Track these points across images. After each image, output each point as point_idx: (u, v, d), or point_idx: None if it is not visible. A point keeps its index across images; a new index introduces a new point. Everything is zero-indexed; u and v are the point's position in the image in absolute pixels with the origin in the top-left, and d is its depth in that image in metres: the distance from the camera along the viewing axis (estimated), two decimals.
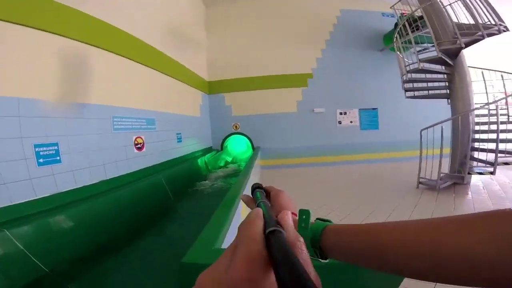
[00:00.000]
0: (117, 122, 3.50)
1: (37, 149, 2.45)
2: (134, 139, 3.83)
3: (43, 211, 2.29)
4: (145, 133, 4.09)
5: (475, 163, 4.21)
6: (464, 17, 4.32)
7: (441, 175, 4.10)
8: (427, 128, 4.29)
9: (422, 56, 4.53)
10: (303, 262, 0.21)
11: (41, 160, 2.45)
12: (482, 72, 4.66)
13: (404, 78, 4.74)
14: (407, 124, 6.80)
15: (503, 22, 3.92)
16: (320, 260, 0.39)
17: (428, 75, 4.75)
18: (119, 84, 3.60)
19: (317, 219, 0.42)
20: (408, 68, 4.74)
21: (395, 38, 4.80)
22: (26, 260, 1.85)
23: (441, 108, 5.77)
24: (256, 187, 0.46)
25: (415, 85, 5.05)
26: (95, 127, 3.13)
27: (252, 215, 0.27)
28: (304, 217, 0.39)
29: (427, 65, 4.40)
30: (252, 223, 0.25)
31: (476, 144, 4.25)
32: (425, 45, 5.12)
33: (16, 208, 2.13)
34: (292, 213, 0.39)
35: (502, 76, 4.54)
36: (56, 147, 2.64)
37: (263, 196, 0.42)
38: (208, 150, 6.81)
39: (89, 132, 3.03)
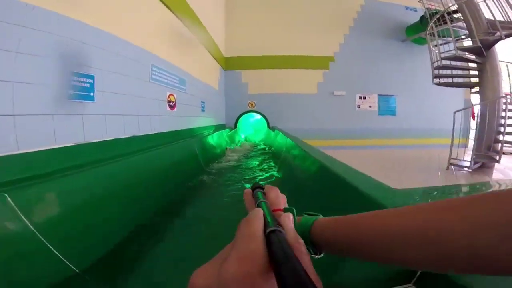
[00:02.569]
0: (155, 72, 2.90)
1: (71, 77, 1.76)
2: (167, 95, 3.19)
3: (62, 170, 1.45)
4: (177, 92, 3.46)
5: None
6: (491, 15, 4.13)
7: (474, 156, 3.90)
8: (461, 110, 4.09)
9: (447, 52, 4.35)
10: (304, 264, 0.18)
11: (71, 92, 1.75)
12: (506, 65, 4.52)
13: (438, 64, 4.46)
14: (422, 113, 6.65)
15: None
16: (314, 255, 0.35)
17: (458, 66, 4.52)
18: (157, 32, 2.96)
19: (305, 213, 0.39)
20: (439, 58, 4.47)
21: (429, 28, 4.50)
22: (27, 234, 1.02)
23: (456, 101, 5.88)
24: (256, 187, 0.40)
25: (444, 74, 4.80)
26: (133, 70, 2.49)
27: (252, 215, 0.25)
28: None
29: (462, 53, 4.16)
30: (252, 222, 0.23)
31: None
32: (448, 39, 4.89)
33: (24, 159, 1.34)
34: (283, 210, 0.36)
35: None
36: (91, 81, 1.96)
37: (263, 196, 0.38)
38: (221, 127, 6.17)
39: (127, 73, 2.38)
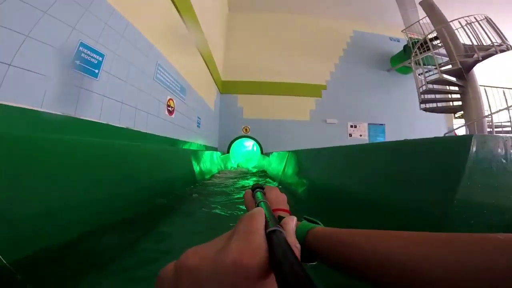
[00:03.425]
0: (160, 71, 2.97)
1: (80, 48, 1.75)
2: (167, 99, 3.17)
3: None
4: (177, 99, 3.47)
5: None
6: (467, 40, 4.76)
7: None
8: (450, 131, 4.31)
9: (430, 77, 4.85)
10: None
11: (77, 62, 1.72)
12: (485, 89, 5.01)
13: (424, 88, 4.89)
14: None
15: (508, 41, 4.39)
16: (306, 263, 0.35)
17: (442, 90, 4.98)
18: (168, 33, 3.13)
19: (304, 218, 0.39)
20: (425, 82, 4.94)
21: (414, 53, 5.07)
22: None
23: (439, 129, 6.26)
24: (256, 187, 0.42)
25: (430, 98, 5.23)
26: (141, 63, 2.53)
27: (255, 211, 0.25)
28: None
29: (445, 76, 4.62)
30: (254, 217, 0.23)
31: None
32: (429, 67, 5.48)
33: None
34: (284, 210, 0.39)
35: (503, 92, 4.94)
36: (101, 59, 1.97)
37: (263, 196, 0.39)
38: (214, 150, 6.05)
39: (135, 64, 2.41)
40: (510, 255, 0.19)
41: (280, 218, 0.33)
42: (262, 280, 0.18)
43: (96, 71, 1.93)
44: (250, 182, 3.48)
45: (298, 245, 0.27)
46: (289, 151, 3.49)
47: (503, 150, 0.85)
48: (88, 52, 1.83)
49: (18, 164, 0.89)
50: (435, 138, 1.00)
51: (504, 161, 0.84)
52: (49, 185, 0.99)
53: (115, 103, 2.16)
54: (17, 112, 1.30)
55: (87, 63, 1.83)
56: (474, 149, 0.80)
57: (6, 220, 0.81)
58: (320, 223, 0.37)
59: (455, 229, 0.78)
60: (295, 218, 0.32)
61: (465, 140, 0.82)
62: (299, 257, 0.25)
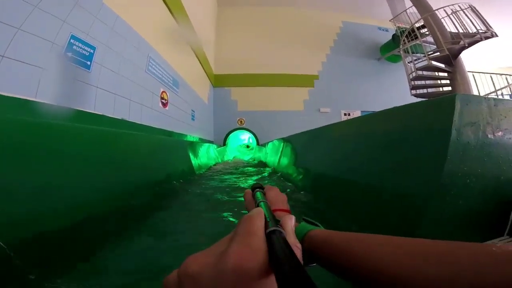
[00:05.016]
0: (152, 64, 3.02)
1: (72, 41, 1.80)
2: (160, 91, 3.23)
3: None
4: (170, 92, 3.52)
5: None
6: (453, 28, 4.84)
7: None
8: None
9: (419, 64, 4.93)
10: None
11: (69, 54, 1.77)
12: (473, 75, 5.13)
13: (414, 75, 4.97)
14: None
15: (493, 29, 4.48)
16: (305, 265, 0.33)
17: (431, 76, 5.06)
18: (157, 28, 3.17)
19: (303, 219, 0.38)
20: (414, 69, 5.01)
21: (402, 42, 5.14)
22: None
23: None
24: (256, 187, 0.42)
25: (420, 85, 5.32)
26: (132, 55, 2.58)
27: (254, 213, 0.24)
28: None
29: (434, 62, 4.70)
30: (254, 219, 0.23)
31: None
32: (418, 54, 5.56)
33: None
34: (284, 210, 0.39)
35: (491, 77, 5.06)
36: (92, 51, 2.02)
37: (263, 196, 0.39)
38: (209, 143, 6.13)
39: (126, 55, 2.46)
40: (507, 272, 0.18)
41: (277, 221, 0.32)
42: (262, 281, 0.18)
43: (88, 62, 1.98)
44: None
45: (299, 245, 0.27)
46: (283, 138, 3.59)
47: (487, 108, 0.92)
48: (80, 45, 1.88)
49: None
50: (421, 101, 1.07)
51: (489, 118, 0.91)
52: (50, 171, 1.04)
53: (109, 95, 2.21)
54: (11, 102, 1.35)
55: (79, 55, 1.88)
56: (459, 106, 0.87)
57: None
58: (319, 225, 0.36)
59: (447, 189, 0.85)
60: (293, 217, 0.31)
61: (450, 98, 0.89)
62: (300, 256, 0.25)
